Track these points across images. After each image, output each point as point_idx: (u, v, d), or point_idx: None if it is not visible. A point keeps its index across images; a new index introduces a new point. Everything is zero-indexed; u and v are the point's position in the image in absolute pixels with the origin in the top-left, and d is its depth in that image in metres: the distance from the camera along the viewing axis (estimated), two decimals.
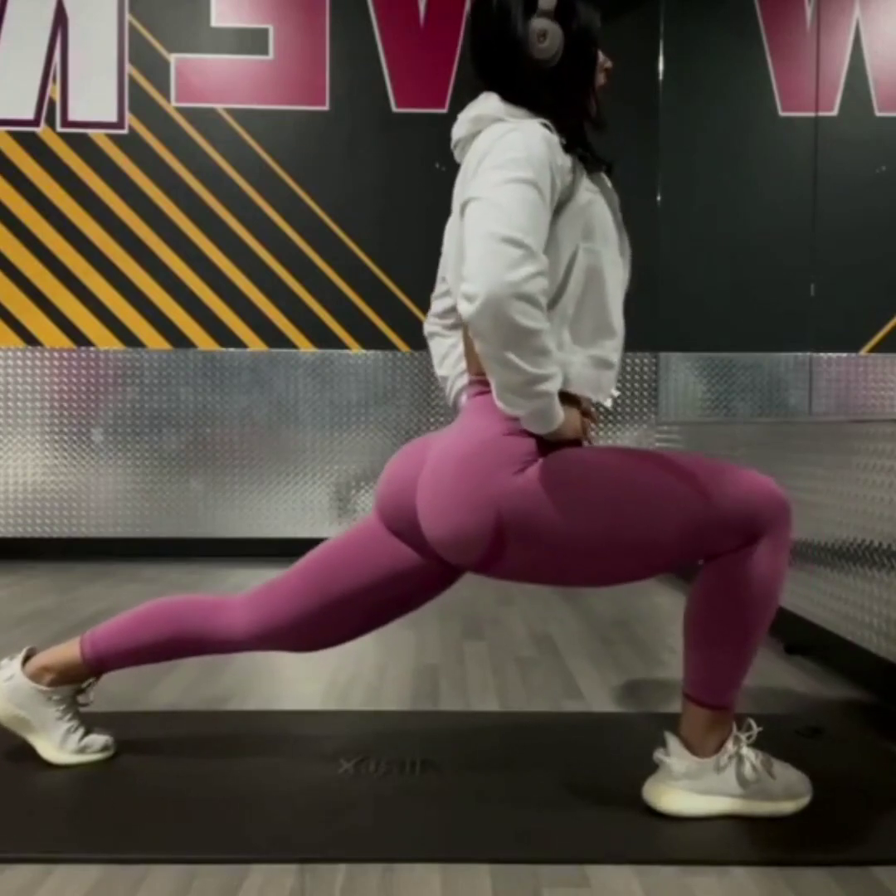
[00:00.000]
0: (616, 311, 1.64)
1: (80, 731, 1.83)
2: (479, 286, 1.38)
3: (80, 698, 1.86)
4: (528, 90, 1.60)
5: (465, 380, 1.77)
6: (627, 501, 1.52)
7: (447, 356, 1.83)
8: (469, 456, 1.55)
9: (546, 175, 1.49)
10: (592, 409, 1.66)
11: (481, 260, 1.39)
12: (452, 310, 1.81)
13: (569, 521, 1.51)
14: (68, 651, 1.83)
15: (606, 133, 1.68)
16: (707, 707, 1.60)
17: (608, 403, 1.66)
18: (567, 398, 1.56)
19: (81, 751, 1.82)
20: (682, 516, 1.51)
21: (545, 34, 1.57)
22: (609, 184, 1.69)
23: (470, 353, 1.67)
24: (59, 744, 1.81)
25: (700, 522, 1.51)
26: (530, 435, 1.54)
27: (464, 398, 1.75)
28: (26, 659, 1.84)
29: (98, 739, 1.84)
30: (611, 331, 1.63)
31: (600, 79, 1.67)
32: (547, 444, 1.55)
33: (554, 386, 1.47)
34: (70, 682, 1.83)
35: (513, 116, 1.58)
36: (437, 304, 1.85)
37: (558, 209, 1.54)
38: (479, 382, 1.63)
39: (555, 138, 1.54)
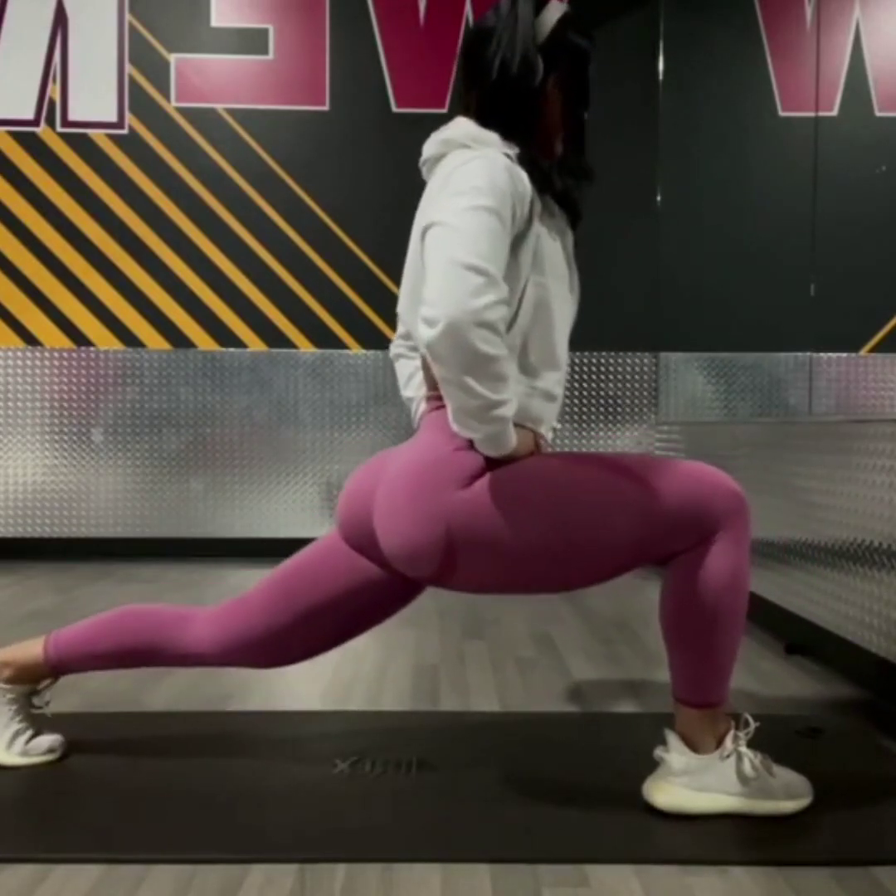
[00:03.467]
0: (561, 345, 1.66)
1: (29, 732, 1.81)
2: (440, 311, 1.39)
3: (35, 700, 1.84)
4: (508, 115, 1.62)
5: None
6: (574, 506, 1.52)
7: (412, 377, 1.83)
8: (421, 471, 1.57)
9: (507, 204, 1.50)
10: (541, 440, 1.66)
11: (443, 285, 1.40)
12: None
13: (516, 530, 1.52)
14: (31, 648, 1.82)
15: (593, 182, 1.71)
16: (697, 707, 1.60)
17: (549, 436, 1.67)
18: (516, 426, 1.56)
19: (25, 754, 1.80)
20: (632, 517, 1.52)
21: (532, 65, 1.59)
22: (564, 221, 1.69)
23: (427, 369, 1.68)
24: (5, 745, 1.79)
25: (651, 522, 1.52)
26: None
27: None
28: None
29: (43, 742, 1.82)
30: (555, 364, 1.65)
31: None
32: (496, 459, 1.56)
33: (509, 411, 1.49)
34: (27, 681, 1.82)
35: (479, 143, 1.59)
36: (403, 326, 1.84)
37: (515, 241, 1.55)
38: (435, 398, 1.64)
39: (516, 168, 1.56)
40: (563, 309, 1.66)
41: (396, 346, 1.87)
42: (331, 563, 1.74)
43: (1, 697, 1.80)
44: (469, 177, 1.50)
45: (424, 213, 1.62)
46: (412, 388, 1.83)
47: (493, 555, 1.54)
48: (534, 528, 1.52)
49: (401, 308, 1.78)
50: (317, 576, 1.74)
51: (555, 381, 1.65)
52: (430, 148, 1.68)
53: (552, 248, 1.63)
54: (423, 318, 1.42)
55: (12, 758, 1.79)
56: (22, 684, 1.81)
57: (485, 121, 1.63)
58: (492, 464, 1.56)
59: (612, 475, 1.54)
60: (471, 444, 1.55)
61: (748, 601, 1.60)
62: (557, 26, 1.62)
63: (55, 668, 1.81)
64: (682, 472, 1.55)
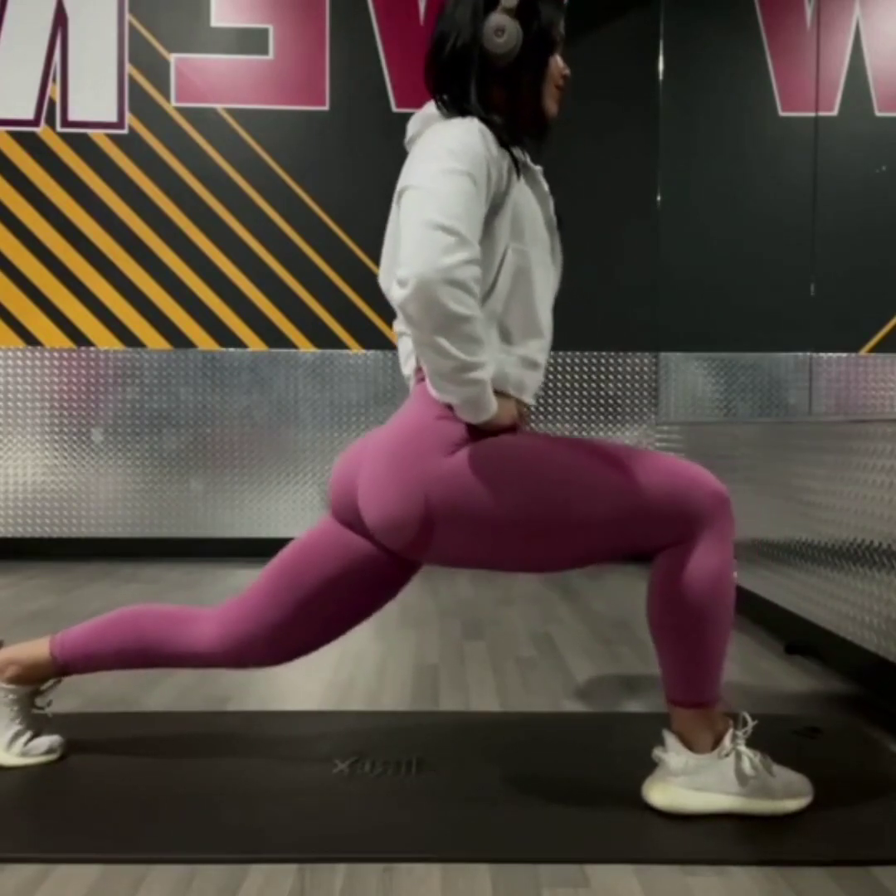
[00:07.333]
0: (544, 312, 1.67)
1: (29, 733, 1.81)
2: (411, 271, 1.41)
3: (38, 700, 1.84)
4: (477, 87, 1.62)
5: None
6: (556, 485, 1.53)
7: (412, 355, 1.82)
8: (403, 440, 1.57)
9: (482, 167, 1.51)
10: (524, 408, 1.67)
11: (415, 246, 1.42)
12: None
13: (497, 504, 1.52)
14: (37, 648, 1.81)
15: (548, 144, 1.71)
16: (689, 707, 1.60)
17: (532, 403, 1.68)
18: (497, 394, 1.58)
19: (25, 754, 1.80)
20: (612, 502, 1.52)
21: (503, 30, 1.59)
22: (546, 187, 1.70)
23: None
24: (5, 745, 1.79)
25: (631, 510, 1.52)
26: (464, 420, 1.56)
27: None
28: None
29: (43, 742, 1.82)
30: (538, 331, 1.65)
31: (558, 81, 1.69)
32: (479, 430, 1.56)
33: (485, 374, 1.50)
34: (32, 681, 1.81)
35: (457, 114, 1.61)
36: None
37: (492, 208, 1.56)
38: (422, 370, 1.64)
39: (490, 133, 1.56)
40: (545, 276, 1.66)
41: (399, 323, 1.87)
42: (322, 545, 1.73)
43: (3, 698, 1.80)
44: (444, 141, 1.53)
45: (402, 178, 1.63)
46: (410, 365, 1.83)
47: (470, 526, 1.54)
48: (513, 501, 1.52)
49: (381, 281, 1.78)
50: (310, 560, 1.73)
51: (537, 348, 1.65)
52: (413, 126, 1.71)
53: (532, 214, 1.64)
54: (397, 279, 1.43)
55: (12, 758, 1.79)
56: (26, 684, 1.81)
57: (452, 99, 1.63)
58: (475, 434, 1.56)
59: (596, 458, 1.55)
60: (454, 413, 1.55)
61: (735, 600, 1.60)
62: None
63: (62, 668, 1.81)
64: (666, 466, 1.55)
